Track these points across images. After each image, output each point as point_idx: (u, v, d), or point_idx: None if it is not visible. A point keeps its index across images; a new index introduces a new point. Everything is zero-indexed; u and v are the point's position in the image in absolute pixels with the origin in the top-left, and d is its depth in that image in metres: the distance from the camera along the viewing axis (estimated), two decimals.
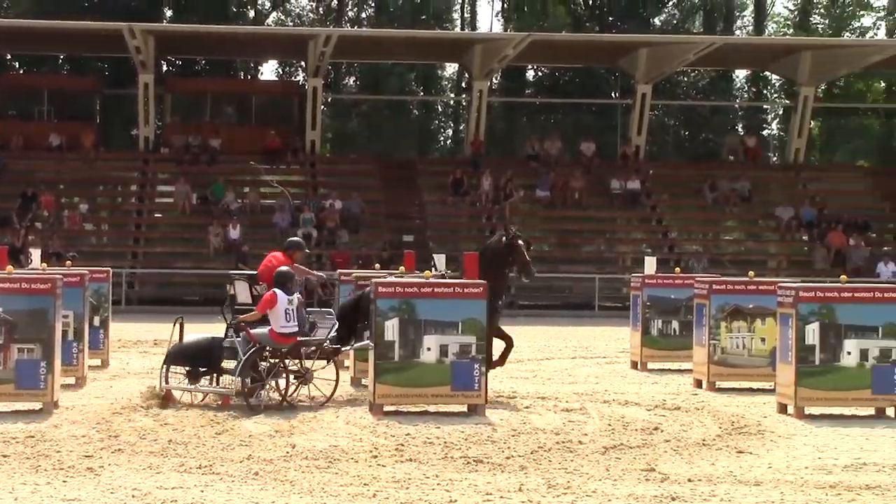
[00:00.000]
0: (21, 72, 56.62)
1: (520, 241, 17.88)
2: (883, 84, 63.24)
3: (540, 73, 61.02)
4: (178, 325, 17.14)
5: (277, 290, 16.54)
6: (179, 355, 16.97)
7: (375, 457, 13.06)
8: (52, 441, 13.72)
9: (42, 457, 12.76)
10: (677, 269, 27.59)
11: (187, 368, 16.96)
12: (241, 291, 17.46)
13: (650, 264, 24.85)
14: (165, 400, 16.67)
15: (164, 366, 16.98)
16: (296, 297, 16.66)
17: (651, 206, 47.03)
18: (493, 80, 53.82)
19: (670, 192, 48.80)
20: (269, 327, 16.46)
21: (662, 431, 15.09)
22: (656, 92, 51.39)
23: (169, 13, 59.83)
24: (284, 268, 16.90)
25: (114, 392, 18.34)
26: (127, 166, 48.34)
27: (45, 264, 23.07)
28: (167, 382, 16.89)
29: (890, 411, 16.65)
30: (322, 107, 50.84)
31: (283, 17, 63.52)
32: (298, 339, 16.71)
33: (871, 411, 16.76)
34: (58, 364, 16.39)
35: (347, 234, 43.89)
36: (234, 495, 11.11)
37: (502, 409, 16.85)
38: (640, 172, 47.60)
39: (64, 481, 11.61)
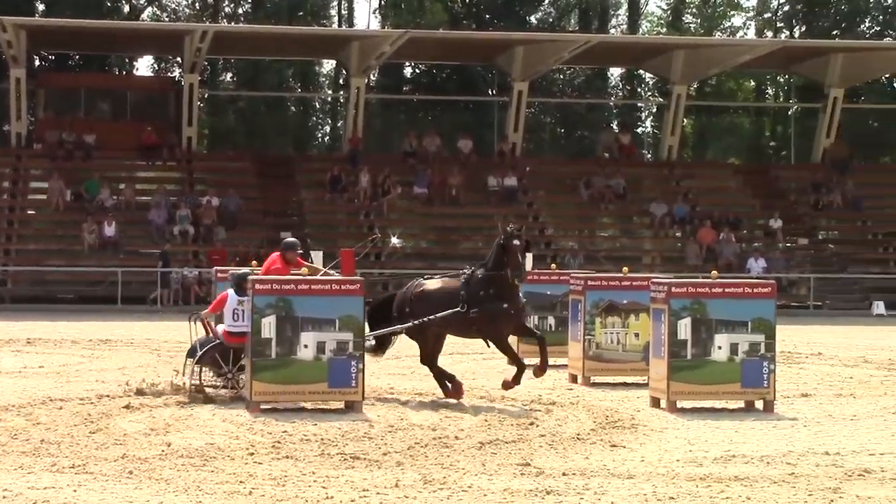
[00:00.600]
0: None
1: (515, 242, 17.43)
2: (753, 83, 64.43)
3: (417, 70, 61.15)
4: (196, 322, 17.72)
5: (230, 291, 17.05)
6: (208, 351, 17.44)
7: (252, 454, 13.03)
8: None
9: None
10: (553, 266, 27.92)
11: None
12: None
13: (527, 261, 25.02)
14: (198, 394, 17.05)
15: (191, 360, 17.44)
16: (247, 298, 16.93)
17: (528, 203, 47.39)
18: (371, 76, 53.82)
19: (547, 189, 49.24)
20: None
21: (538, 426, 15.25)
22: (532, 89, 51.78)
23: (41, 6, 58.86)
24: (244, 270, 17.70)
25: None
26: None
27: None
28: (198, 378, 17.25)
29: (759, 404, 16.99)
30: (198, 103, 50.46)
31: (158, 13, 62.88)
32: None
33: (741, 404, 17.08)
34: None
35: (224, 231, 43.64)
36: (107, 495, 11.00)
37: (379, 405, 16.91)
38: (516, 169, 47.94)
39: None
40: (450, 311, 17.51)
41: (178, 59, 53.67)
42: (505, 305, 17.39)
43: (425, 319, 17.73)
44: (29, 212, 46.02)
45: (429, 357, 18.07)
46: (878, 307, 42.99)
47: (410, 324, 17.86)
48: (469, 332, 18.25)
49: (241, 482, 11.58)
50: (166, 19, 61.28)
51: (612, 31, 63.50)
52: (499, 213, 47.10)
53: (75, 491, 11.09)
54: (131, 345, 26.69)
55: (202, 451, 13.13)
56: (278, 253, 18.28)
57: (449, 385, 17.68)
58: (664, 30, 64.21)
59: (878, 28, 62.69)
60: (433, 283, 18.19)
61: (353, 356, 16.21)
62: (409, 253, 45.56)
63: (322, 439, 14.04)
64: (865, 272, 45.97)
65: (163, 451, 13.12)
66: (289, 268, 18.09)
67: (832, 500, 11.13)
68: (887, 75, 57.29)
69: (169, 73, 59.26)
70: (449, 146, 50.03)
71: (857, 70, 50.29)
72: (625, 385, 19.77)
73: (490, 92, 58.42)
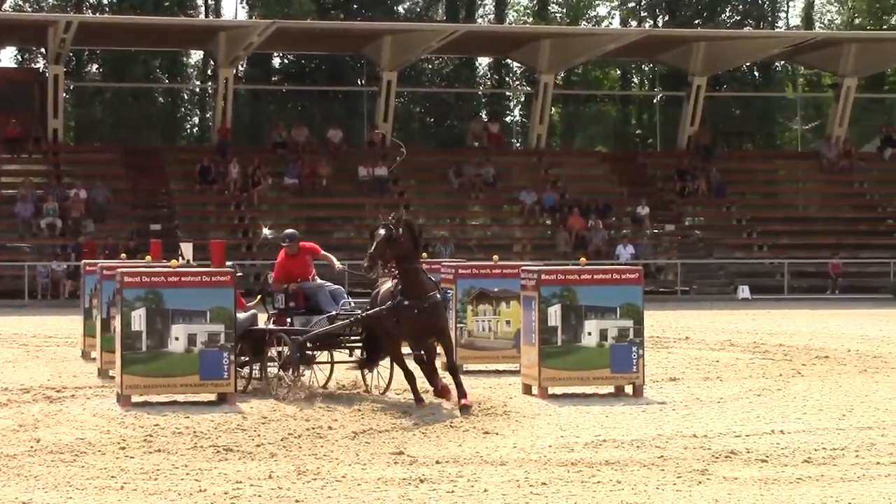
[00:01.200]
0: None
1: (379, 231, 16.16)
2: (619, 72, 65.15)
3: (286, 61, 60.84)
4: None
5: None
6: None
7: (123, 448, 12.93)
8: None
9: None
10: (425, 255, 27.97)
11: None
12: None
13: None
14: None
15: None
16: None
17: (398, 192, 47.44)
18: (240, 67, 53.43)
19: (417, 178, 49.36)
20: None
21: (411, 415, 15.32)
22: (402, 79, 51.80)
23: None
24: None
25: None
26: None
27: None
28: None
29: (628, 389, 17.25)
30: (64, 94, 49.68)
31: (21, 2, 61.69)
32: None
33: (611, 389, 17.34)
34: None
35: (93, 224, 43.07)
36: None
37: (252, 397, 16.84)
38: (386, 159, 47.95)
39: None
40: (375, 309, 16.62)
41: (43, 49, 52.77)
42: (406, 303, 15.98)
43: (359, 316, 16.94)
44: None
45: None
46: (744, 291, 43.80)
47: (345, 322, 17.18)
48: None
49: (112, 477, 11.49)
50: (29, 9, 60.13)
51: (480, 20, 63.74)
52: (370, 203, 47.30)
53: None
54: None
55: (72, 446, 13.00)
56: (283, 248, 18.06)
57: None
58: (530, 19, 64.63)
59: (738, 17, 63.77)
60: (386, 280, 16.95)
61: (226, 347, 16.14)
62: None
63: (195, 432, 13.98)
64: (730, 257, 46.82)
65: (31, 447, 12.97)
66: (292, 261, 17.86)
67: (700, 482, 11.36)
68: (747, 63, 58.27)
69: (33, 64, 58.27)
70: (318, 136, 49.87)
71: (719, 59, 51.11)
72: (497, 372, 19.94)
73: (359, 82, 58.29)
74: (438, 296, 16.41)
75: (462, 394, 15.81)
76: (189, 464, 12.16)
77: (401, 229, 16.08)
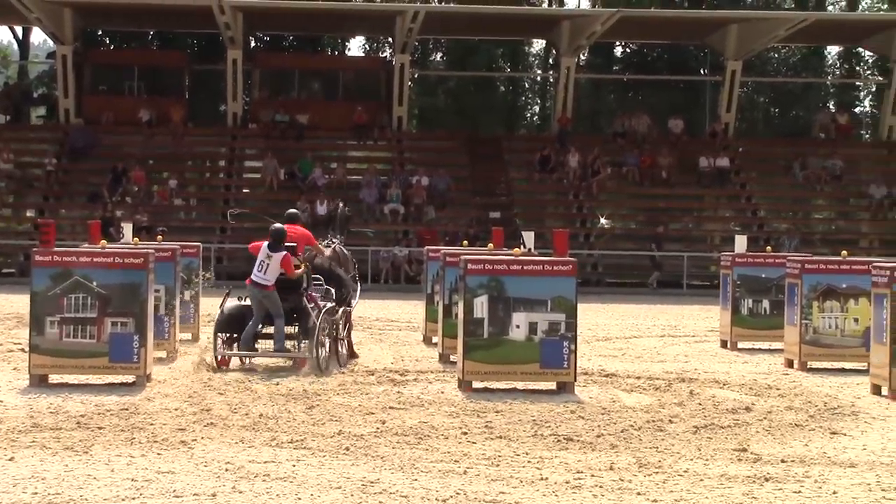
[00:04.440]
0: (111, 48, 57.12)
1: None
2: None
3: (628, 50, 60.59)
4: (226, 298, 18.74)
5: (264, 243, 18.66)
6: (226, 324, 18.21)
7: (465, 434, 13.03)
8: (146, 414, 13.84)
9: (136, 429, 12.87)
10: (769, 248, 27.46)
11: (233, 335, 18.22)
12: None
13: (740, 243, 24.68)
14: (220, 365, 17.88)
15: (216, 335, 18.09)
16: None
17: (740, 184, 46.60)
18: (581, 56, 53.52)
19: (759, 170, 48.37)
20: None
21: (754, 411, 14.93)
22: (746, 68, 50.85)
23: None
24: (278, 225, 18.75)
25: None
26: (215, 141, 48.69)
27: (136, 239, 23.35)
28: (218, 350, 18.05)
29: None
30: (409, 83, 50.85)
31: None
32: None
33: None
34: (150, 338, 16.56)
35: (434, 211, 43.92)
36: (325, 470, 11.12)
37: (591, 387, 16.78)
38: (728, 150, 47.16)
39: (158, 454, 11.69)
40: None
41: (390, 39, 54.17)
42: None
43: None
44: (244, 190, 47.08)
45: None
46: None
47: None
48: None
49: (455, 461, 11.58)
50: (379, 0, 61.83)
51: (830, 7, 61.94)
52: (710, 195, 46.66)
53: (294, 466, 11.24)
54: None
55: (416, 429, 13.18)
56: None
57: None
58: (885, 6, 62.34)
59: None
60: None
61: (566, 337, 16.09)
62: (619, 234, 45.25)
63: (534, 420, 13.97)
64: None
65: (378, 428, 13.22)
66: None
67: None
68: None
69: (380, 54, 59.90)
70: (659, 126, 49.46)
71: None
72: (843, 371, 19.28)
73: (702, 71, 57.58)
74: None
75: None
76: (530, 451, 12.15)
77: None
